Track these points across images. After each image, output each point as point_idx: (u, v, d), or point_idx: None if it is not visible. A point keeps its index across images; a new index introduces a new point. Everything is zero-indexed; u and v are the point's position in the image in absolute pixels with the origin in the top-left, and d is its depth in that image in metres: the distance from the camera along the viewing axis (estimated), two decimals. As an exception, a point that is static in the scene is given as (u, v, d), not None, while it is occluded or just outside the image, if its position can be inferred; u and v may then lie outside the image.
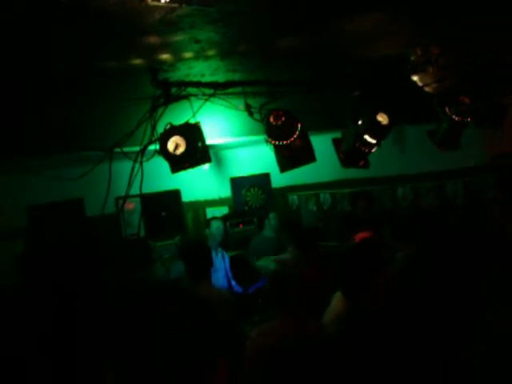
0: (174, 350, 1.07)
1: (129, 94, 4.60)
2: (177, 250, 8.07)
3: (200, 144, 4.24)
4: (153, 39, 3.38)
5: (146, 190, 4.32)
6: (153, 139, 4.21)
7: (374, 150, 5.01)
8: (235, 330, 4.36)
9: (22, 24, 2.80)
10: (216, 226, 7.23)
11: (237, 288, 6.87)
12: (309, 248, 5.27)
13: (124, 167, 4.27)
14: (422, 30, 3.94)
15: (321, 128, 5.91)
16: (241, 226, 9.03)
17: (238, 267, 7.45)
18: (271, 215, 8.02)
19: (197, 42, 3.51)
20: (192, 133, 4.20)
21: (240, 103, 4.64)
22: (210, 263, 4.63)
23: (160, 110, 4.22)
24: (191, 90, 4.39)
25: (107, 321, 1.16)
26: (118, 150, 4.34)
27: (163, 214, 8.84)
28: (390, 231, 4.54)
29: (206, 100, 4.54)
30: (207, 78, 4.54)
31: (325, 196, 9.74)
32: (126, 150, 4.31)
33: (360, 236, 4.23)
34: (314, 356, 3.20)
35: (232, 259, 7.46)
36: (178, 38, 3.37)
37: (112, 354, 1.10)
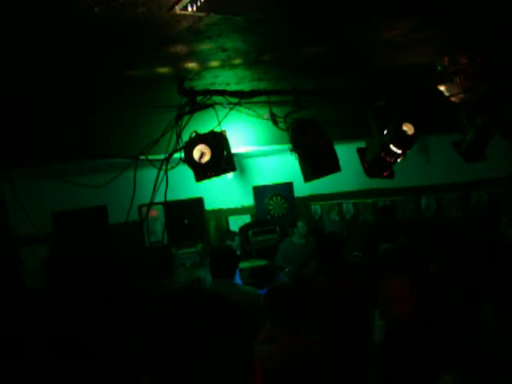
0: (213, 350, 1.06)
1: (154, 102, 4.63)
2: (199, 257, 8.10)
3: (225, 153, 4.24)
4: (180, 48, 3.39)
5: (168, 198, 4.32)
6: (178, 147, 4.21)
7: (399, 160, 4.97)
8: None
9: (56, 35, 2.83)
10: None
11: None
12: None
13: (146, 175, 4.30)
14: (451, 37, 3.90)
15: (346, 137, 5.88)
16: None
17: (260, 276, 7.46)
18: (299, 224, 7.94)
19: (223, 50, 3.52)
20: (217, 141, 4.20)
21: (265, 112, 4.64)
22: (235, 265, 4.74)
23: (185, 118, 4.22)
24: (216, 98, 4.40)
25: (142, 323, 1.15)
26: (143, 157, 4.36)
27: (186, 221, 8.87)
28: (417, 242, 4.49)
29: (231, 109, 4.54)
30: (232, 87, 4.55)
31: (347, 206, 9.70)
32: (150, 157, 4.32)
33: (385, 247, 4.18)
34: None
35: (253, 270, 7.47)
36: (205, 46, 3.38)
37: (149, 354, 1.09)
